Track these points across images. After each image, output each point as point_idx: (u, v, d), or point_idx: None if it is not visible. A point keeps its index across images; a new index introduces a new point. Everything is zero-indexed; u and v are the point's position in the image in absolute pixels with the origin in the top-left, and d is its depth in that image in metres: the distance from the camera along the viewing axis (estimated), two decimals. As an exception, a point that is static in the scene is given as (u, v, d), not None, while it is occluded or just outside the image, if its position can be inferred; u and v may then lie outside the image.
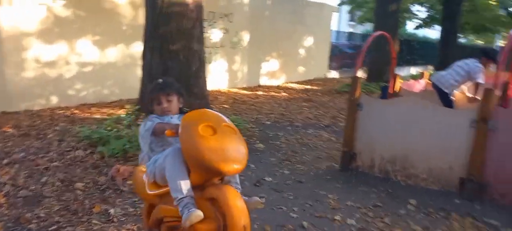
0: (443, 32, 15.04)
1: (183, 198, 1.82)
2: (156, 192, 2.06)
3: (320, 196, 3.37)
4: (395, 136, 3.75)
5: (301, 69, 12.71)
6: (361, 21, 18.31)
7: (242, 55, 10.65)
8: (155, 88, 2.21)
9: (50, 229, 2.63)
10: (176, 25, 5.02)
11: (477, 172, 3.31)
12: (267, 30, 11.12)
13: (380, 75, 10.22)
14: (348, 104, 4.04)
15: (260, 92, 9.60)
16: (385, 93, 5.25)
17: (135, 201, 3.15)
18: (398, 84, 5.09)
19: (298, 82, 11.86)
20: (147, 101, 2.28)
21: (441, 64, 13.65)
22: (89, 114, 6.24)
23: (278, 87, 10.75)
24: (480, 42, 26.19)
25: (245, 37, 10.73)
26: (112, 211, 2.92)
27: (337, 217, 2.97)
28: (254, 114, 6.78)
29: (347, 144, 4.00)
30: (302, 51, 12.78)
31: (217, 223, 1.83)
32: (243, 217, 1.75)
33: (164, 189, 2.01)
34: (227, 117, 2.02)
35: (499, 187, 3.25)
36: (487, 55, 4.89)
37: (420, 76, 6.28)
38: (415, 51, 19.68)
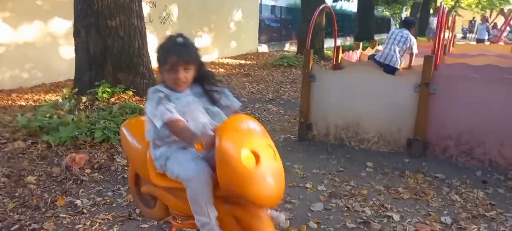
0: (359, 4, 16.07)
1: (209, 223, 1.68)
2: (163, 184, 1.88)
3: (287, 167, 3.47)
4: (347, 105, 3.99)
5: (233, 44, 12.66)
6: (286, -6, 18.63)
7: (172, 30, 10.20)
8: (172, 50, 1.77)
9: (12, 229, 2.35)
10: (113, -1, 4.64)
11: (422, 132, 3.70)
12: (197, 4, 10.81)
13: (311, 47, 10.61)
14: (303, 77, 4.17)
15: (195, 69, 9.38)
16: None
17: (100, 190, 2.95)
18: (340, 55, 5.36)
19: (231, 57, 11.82)
20: (158, 61, 1.83)
21: (360, 35, 14.69)
22: (10, 102, 5.55)
23: (212, 63, 10.60)
24: (387, 13, 28.50)
25: (174, 11, 10.32)
26: (78, 202, 2.70)
27: (308, 185, 3.11)
28: (197, 92, 6.64)
29: (304, 115, 4.16)
30: (232, 26, 12.71)
31: None
32: None
33: (174, 184, 1.83)
34: (260, 125, 1.72)
35: (440, 144, 3.68)
36: (413, 25, 5.41)
37: (355, 47, 6.67)
38: (329, 24, 20.73)
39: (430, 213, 2.70)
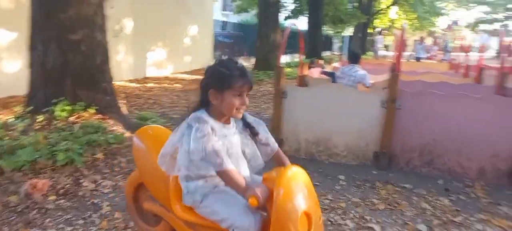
0: (310, 22, 16.71)
1: None
2: (188, 219, 1.77)
3: (263, 183, 3.48)
4: (318, 120, 4.11)
5: (187, 59, 12.52)
6: (239, 11, 18.91)
7: (126, 44, 9.91)
8: (237, 73, 1.63)
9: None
10: (75, 11, 4.38)
11: (388, 145, 3.90)
12: (151, 18, 10.59)
13: (267, 63, 10.83)
14: (274, 93, 4.23)
15: (150, 84, 9.14)
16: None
17: (69, 218, 2.74)
18: (305, 71, 5.51)
19: (186, 72, 11.66)
20: (211, 82, 1.66)
21: (310, 52, 15.24)
22: None
23: (167, 78, 10.39)
24: (330, 31, 29.86)
25: (128, 25, 10.02)
26: (48, 234, 2.48)
27: (288, 201, 3.12)
28: (157, 109, 6.45)
29: (275, 131, 4.20)
30: (187, 41, 12.59)
31: None
32: None
33: (202, 222, 1.73)
34: (309, 178, 1.70)
35: (405, 156, 3.90)
36: (360, 58, 5.51)
37: (315, 64, 6.90)
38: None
39: (406, 222, 2.84)
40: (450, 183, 3.60)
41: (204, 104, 1.71)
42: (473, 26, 45.00)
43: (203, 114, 1.67)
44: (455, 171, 3.73)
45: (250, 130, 1.80)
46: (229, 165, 1.57)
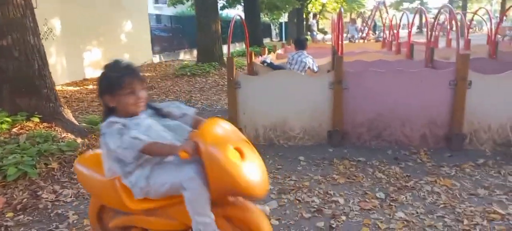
0: (246, 11, 16.86)
1: (211, 223, 1.72)
2: (144, 207, 1.83)
3: (228, 173, 3.55)
4: (272, 106, 4.26)
5: (126, 56, 12.02)
6: (174, 2, 18.44)
7: (57, 46, 9.28)
8: (124, 73, 1.73)
9: None
10: (1, 14, 4.06)
11: (339, 124, 4.16)
12: (82, 16, 10.00)
13: (211, 55, 10.78)
14: (228, 84, 4.30)
15: (91, 86, 8.69)
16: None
17: (34, 233, 2.60)
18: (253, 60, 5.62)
19: (126, 71, 11.22)
20: (107, 89, 1.75)
21: (251, 40, 15.40)
22: None
23: (107, 78, 9.92)
24: (267, 18, 30.44)
25: (57, 25, 9.38)
26: (17, 252, 2.34)
27: (255, 187, 3.24)
28: (104, 110, 6.18)
29: (232, 121, 4.27)
30: (123, 37, 12.08)
31: None
32: (269, 228, 1.80)
33: (157, 204, 1.82)
34: (232, 125, 1.88)
35: (355, 131, 4.20)
36: (306, 44, 5.79)
37: (261, 52, 7.04)
38: (223, 30, 21.33)
39: (366, 192, 3.10)
40: (398, 152, 3.96)
41: (109, 110, 1.81)
42: (396, 6, 48.15)
43: (111, 118, 1.76)
44: (401, 141, 4.10)
45: (159, 113, 1.93)
46: (146, 140, 1.68)
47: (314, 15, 23.56)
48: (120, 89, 1.73)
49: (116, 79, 1.72)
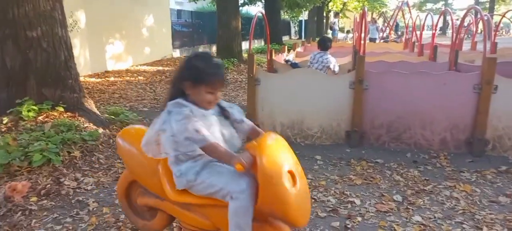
0: (266, 8, 16.83)
1: None
2: (183, 200, 1.83)
3: (245, 169, 3.58)
4: (291, 104, 4.26)
5: (147, 50, 12.22)
6: (195, -1, 18.56)
7: (81, 38, 9.50)
8: (214, 72, 1.74)
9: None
10: (32, 7, 4.18)
11: (358, 124, 4.13)
12: (105, 10, 10.19)
13: (230, 51, 10.83)
14: (248, 81, 4.31)
15: (112, 78, 8.86)
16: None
17: (57, 217, 2.69)
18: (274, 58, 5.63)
19: (147, 64, 11.40)
20: (188, 75, 1.75)
21: (271, 38, 15.37)
22: None
23: (128, 71, 10.11)
24: (287, 16, 30.28)
25: (82, 18, 9.59)
26: (40, 236, 2.43)
27: (272, 184, 3.26)
28: (125, 103, 6.32)
29: (251, 117, 4.30)
30: (144, 31, 12.26)
31: None
32: None
33: (197, 201, 1.81)
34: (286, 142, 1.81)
35: (374, 133, 4.15)
36: (330, 45, 5.58)
37: (281, 50, 7.03)
38: (243, 27, 21.41)
39: (383, 194, 3.07)
40: (417, 155, 3.90)
41: (180, 93, 1.80)
42: (419, 6, 47.13)
43: (180, 100, 1.76)
44: (420, 143, 4.04)
45: (223, 112, 1.90)
46: (212, 139, 1.68)
47: (336, 14, 23.33)
48: (204, 84, 1.73)
49: (206, 74, 1.73)
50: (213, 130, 1.80)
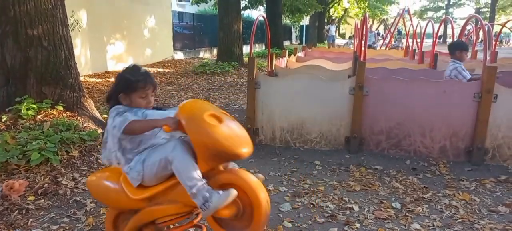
0: (267, 13, 16.85)
1: (203, 184, 1.75)
2: (145, 195, 1.88)
3: (244, 172, 3.57)
4: (291, 109, 4.25)
5: (148, 51, 12.23)
6: (197, 1, 18.61)
7: (82, 38, 9.52)
8: (142, 78, 1.92)
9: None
10: (34, 5, 4.18)
11: (358, 130, 4.12)
12: (106, 10, 10.21)
13: (230, 54, 10.84)
14: (248, 84, 4.31)
15: (112, 79, 8.83)
16: None
17: (53, 217, 2.68)
18: (274, 62, 5.63)
19: (148, 66, 11.39)
20: (120, 87, 1.94)
21: (272, 42, 15.41)
22: None
23: (128, 71, 10.09)
24: (288, 21, 30.35)
25: (83, 17, 9.60)
26: (35, 235, 2.42)
27: (270, 187, 3.25)
28: (124, 103, 6.29)
29: (250, 121, 4.30)
30: (146, 32, 12.28)
31: (237, 206, 1.82)
32: (265, 193, 1.81)
33: (156, 189, 1.88)
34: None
35: (374, 139, 4.15)
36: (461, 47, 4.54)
37: (282, 54, 7.03)
38: (244, 30, 21.45)
39: (381, 201, 3.06)
40: (417, 163, 3.89)
41: (117, 104, 1.98)
42: (420, 14, 47.28)
43: (118, 107, 1.94)
44: (420, 151, 4.03)
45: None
46: (131, 117, 1.84)
47: (332, 20, 23.36)
48: (135, 91, 1.91)
49: (135, 82, 1.91)
50: (150, 116, 1.94)
